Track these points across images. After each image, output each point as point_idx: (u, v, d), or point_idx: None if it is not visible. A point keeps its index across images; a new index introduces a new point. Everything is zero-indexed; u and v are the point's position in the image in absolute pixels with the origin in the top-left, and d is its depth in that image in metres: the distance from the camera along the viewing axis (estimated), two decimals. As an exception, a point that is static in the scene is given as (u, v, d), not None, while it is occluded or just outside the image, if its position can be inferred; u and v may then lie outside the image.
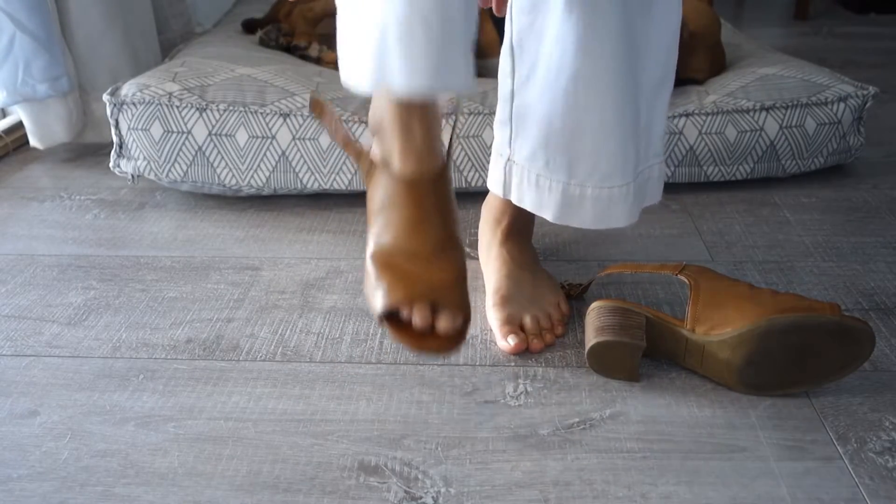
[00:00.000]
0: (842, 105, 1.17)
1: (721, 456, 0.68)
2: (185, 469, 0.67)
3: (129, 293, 0.94)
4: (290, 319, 0.88)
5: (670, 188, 1.20)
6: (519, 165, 0.83)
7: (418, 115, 0.69)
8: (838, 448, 0.68)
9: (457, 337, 0.67)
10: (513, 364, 0.80)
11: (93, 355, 0.83)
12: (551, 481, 0.65)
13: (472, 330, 0.85)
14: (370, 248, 0.71)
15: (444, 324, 0.66)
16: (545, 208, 0.82)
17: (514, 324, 0.84)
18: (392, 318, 0.67)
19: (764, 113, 1.16)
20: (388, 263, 0.69)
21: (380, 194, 0.71)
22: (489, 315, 0.87)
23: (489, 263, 0.92)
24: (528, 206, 0.84)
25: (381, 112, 0.71)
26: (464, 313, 0.68)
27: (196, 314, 0.90)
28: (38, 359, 0.82)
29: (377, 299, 0.67)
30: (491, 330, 0.85)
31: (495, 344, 0.83)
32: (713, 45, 1.29)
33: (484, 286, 0.92)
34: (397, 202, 0.70)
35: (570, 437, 0.70)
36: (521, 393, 0.76)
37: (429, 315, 0.66)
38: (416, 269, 0.68)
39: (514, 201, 0.85)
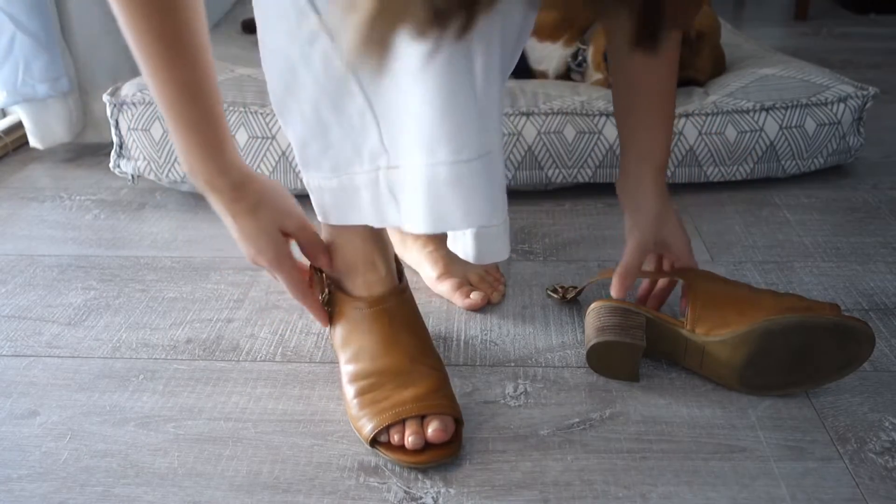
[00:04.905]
0: (842, 105, 1.17)
1: (721, 456, 0.67)
2: (185, 469, 0.67)
3: (129, 293, 0.94)
4: (290, 320, 0.88)
5: (670, 188, 1.19)
6: None
7: (379, 250, 0.74)
8: (838, 448, 0.68)
9: (451, 442, 0.67)
10: (513, 364, 0.80)
11: (93, 355, 0.83)
12: (551, 481, 0.65)
13: (473, 330, 0.86)
14: (345, 375, 0.73)
15: (437, 433, 0.66)
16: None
17: (465, 285, 0.90)
18: (383, 439, 0.67)
19: (764, 113, 1.16)
20: (368, 387, 0.70)
21: (345, 326, 0.75)
22: (438, 288, 0.91)
23: (411, 246, 0.95)
24: None
25: (342, 252, 0.74)
26: (454, 416, 0.68)
27: (196, 314, 0.90)
28: (38, 359, 0.82)
29: (364, 426, 0.68)
30: (489, 330, 0.85)
31: (495, 344, 0.83)
32: (715, 47, 1.29)
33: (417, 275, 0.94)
34: (365, 328, 0.73)
35: (570, 438, 0.70)
36: (521, 393, 0.76)
37: (420, 430, 0.66)
38: (397, 387, 0.69)
39: None
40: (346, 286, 0.75)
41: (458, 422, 0.68)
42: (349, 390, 0.71)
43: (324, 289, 0.76)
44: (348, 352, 0.73)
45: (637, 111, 0.80)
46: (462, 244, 0.84)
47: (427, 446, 0.66)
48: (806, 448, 0.68)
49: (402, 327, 0.73)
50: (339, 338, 0.75)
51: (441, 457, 0.66)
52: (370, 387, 0.70)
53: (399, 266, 0.78)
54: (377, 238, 0.74)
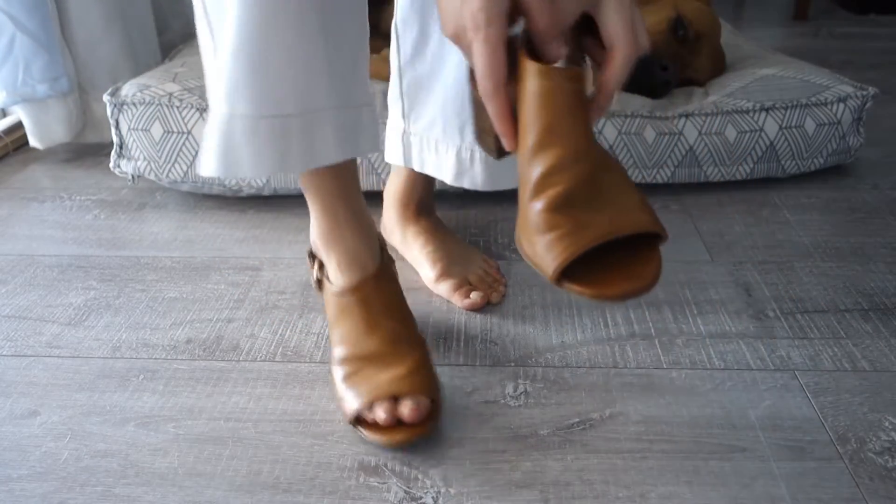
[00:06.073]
0: (841, 105, 1.18)
1: (721, 456, 0.68)
2: (186, 469, 0.67)
3: (129, 293, 0.94)
4: (290, 319, 0.88)
5: (670, 188, 1.20)
6: (417, 136, 0.87)
7: (349, 225, 0.74)
8: (838, 448, 0.68)
9: (425, 421, 0.68)
10: (513, 364, 0.80)
11: (93, 355, 0.83)
12: (551, 481, 0.65)
13: (473, 330, 0.86)
14: (332, 359, 0.74)
15: (406, 412, 0.67)
16: (444, 170, 0.87)
17: (464, 285, 0.90)
18: (363, 420, 0.69)
19: (764, 113, 1.16)
20: (349, 371, 0.72)
21: (331, 308, 0.76)
22: (438, 288, 0.91)
23: (411, 245, 0.95)
24: (429, 170, 0.89)
25: (315, 230, 0.76)
26: (429, 396, 0.69)
27: (196, 314, 0.90)
28: (38, 359, 0.82)
29: (344, 407, 0.70)
30: (489, 330, 0.85)
31: (495, 344, 0.83)
32: (715, 47, 1.29)
33: (412, 271, 0.95)
34: (346, 310, 0.74)
35: (570, 437, 0.70)
36: (521, 393, 0.76)
37: (391, 408, 0.68)
38: (374, 369, 0.71)
39: (417, 168, 0.90)
40: (327, 268, 0.77)
41: (434, 400, 0.70)
42: (335, 374, 0.73)
43: (314, 273, 0.78)
44: (335, 336, 0.75)
45: None
46: (470, 175, 0.84)
47: (402, 425, 0.68)
48: (806, 448, 0.68)
49: (381, 313, 0.74)
50: (329, 321, 0.77)
51: (415, 435, 0.67)
52: (352, 371, 0.72)
53: (382, 242, 0.78)
54: (341, 208, 0.75)
